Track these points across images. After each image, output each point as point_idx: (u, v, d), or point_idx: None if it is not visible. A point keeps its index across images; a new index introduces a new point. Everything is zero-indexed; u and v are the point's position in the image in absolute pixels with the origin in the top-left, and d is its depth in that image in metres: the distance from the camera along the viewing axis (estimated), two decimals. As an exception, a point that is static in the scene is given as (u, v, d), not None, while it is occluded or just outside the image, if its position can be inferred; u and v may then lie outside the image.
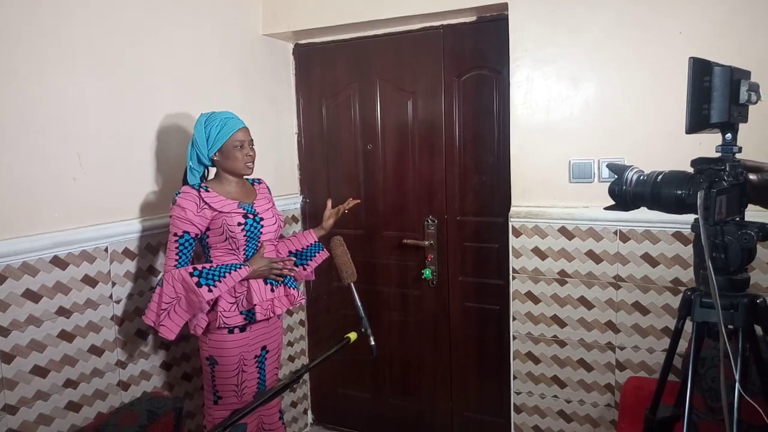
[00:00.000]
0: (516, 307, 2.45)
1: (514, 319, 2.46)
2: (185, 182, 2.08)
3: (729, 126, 1.04)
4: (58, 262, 1.93)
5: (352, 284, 1.81)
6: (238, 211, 2.05)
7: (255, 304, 2.04)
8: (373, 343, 1.79)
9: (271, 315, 2.11)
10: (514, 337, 2.47)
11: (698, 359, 1.08)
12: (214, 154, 2.04)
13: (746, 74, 1.07)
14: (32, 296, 1.86)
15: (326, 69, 2.97)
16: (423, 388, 2.93)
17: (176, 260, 1.97)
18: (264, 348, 2.16)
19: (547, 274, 2.38)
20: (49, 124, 1.90)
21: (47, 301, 1.91)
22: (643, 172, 1.21)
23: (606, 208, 1.25)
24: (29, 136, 1.84)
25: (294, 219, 3.06)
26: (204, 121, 2.04)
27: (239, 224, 2.03)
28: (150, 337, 2.27)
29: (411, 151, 2.81)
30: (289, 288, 2.19)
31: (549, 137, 2.32)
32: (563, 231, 2.33)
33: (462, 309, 2.78)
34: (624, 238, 2.24)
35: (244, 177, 2.15)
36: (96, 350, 2.07)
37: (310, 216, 3.10)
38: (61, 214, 1.95)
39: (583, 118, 2.27)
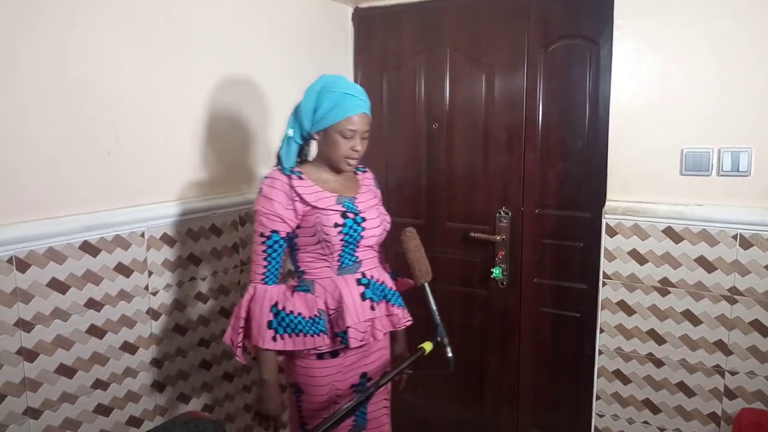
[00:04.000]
0: (605, 317, 2.11)
1: (602, 331, 2.12)
2: (279, 156, 1.72)
3: None
4: (89, 248, 1.69)
5: (426, 284, 1.58)
6: (335, 209, 1.64)
7: (348, 326, 1.63)
8: (450, 355, 1.53)
9: (370, 340, 1.71)
10: (601, 352, 2.14)
11: None
12: (317, 132, 1.65)
13: None
14: (59, 286, 1.63)
15: (389, 37, 2.64)
16: (485, 398, 2.63)
17: (264, 268, 1.62)
18: (364, 375, 1.77)
19: (646, 282, 2.03)
20: (79, 89, 1.64)
21: (75, 292, 1.67)
22: None
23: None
24: (56, 101, 1.59)
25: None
26: (320, 87, 1.62)
27: (336, 225, 1.62)
28: (189, 332, 2.03)
29: (484, 132, 2.47)
30: (393, 305, 1.75)
31: (657, 120, 1.95)
32: (669, 232, 1.97)
33: (536, 314, 2.45)
34: (745, 243, 1.87)
35: None
36: (129, 347, 1.83)
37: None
38: (92, 193, 1.70)
39: (700, 99, 1.89)
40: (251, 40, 2.20)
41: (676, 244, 1.97)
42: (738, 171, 1.87)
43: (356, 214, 1.67)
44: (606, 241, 2.07)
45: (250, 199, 2.20)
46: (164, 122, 1.89)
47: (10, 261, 1.51)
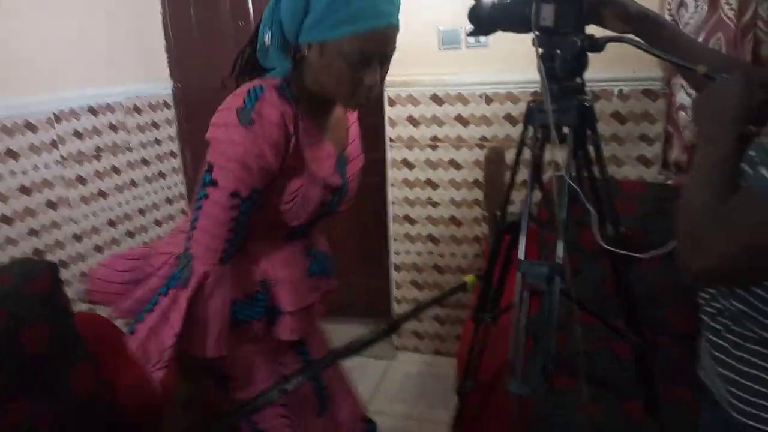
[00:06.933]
0: (393, 174, 2.60)
1: (392, 185, 2.61)
2: (240, 75, 1.11)
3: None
4: None
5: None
6: (332, 180, 1.12)
7: (288, 312, 1.19)
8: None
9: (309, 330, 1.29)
10: (393, 203, 2.64)
11: (542, 162, 1.27)
12: (307, 43, 1.00)
13: None
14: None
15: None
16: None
17: (226, 242, 1.02)
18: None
19: (421, 141, 2.53)
20: None
21: None
22: (501, -1, 1.32)
23: (468, 34, 1.36)
24: None
25: (166, 105, 2.93)
26: None
27: (323, 204, 1.13)
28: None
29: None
30: (330, 279, 1.34)
31: (417, 5, 2.38)
32: (435, 98, 2.46)
33: (344, 183, 2.88)
34: (488, 100, 2.42)
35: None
36: None
37: (183, 102, 2.99)
38: None
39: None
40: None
41: (440, 107, 2.47)
42: (480, 44, 2.39)
43: (344, 186, 1.18)
44: (388, 111, 2.52)
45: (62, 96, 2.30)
46: None
47: None
